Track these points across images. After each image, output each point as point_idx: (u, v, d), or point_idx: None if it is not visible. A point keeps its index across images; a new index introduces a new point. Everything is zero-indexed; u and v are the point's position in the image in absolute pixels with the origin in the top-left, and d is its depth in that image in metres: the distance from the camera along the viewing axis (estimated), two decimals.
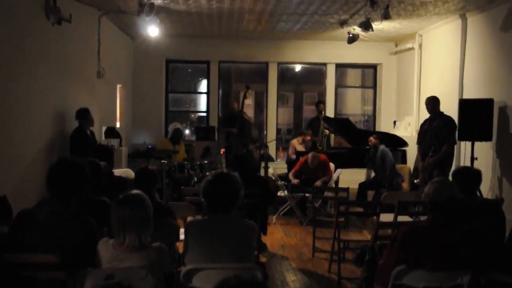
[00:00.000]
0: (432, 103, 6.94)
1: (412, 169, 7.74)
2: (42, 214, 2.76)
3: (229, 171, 3.04)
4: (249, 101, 9.15)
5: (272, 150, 10.87)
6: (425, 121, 7.09)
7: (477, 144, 6.83)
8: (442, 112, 6.92)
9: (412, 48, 9.85)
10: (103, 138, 8.17)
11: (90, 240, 2.75)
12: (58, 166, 2.85)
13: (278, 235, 6.77)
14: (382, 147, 7.65)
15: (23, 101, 5.73)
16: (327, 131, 9.38)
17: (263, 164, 8.66)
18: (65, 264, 2.62)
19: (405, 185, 7.86)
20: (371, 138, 7.79)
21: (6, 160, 5.37)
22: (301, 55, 11.15)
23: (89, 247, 2.71)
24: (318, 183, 7.51)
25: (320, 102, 10.12)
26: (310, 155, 7.75)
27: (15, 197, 4.76)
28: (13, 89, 5.50)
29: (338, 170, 8.01)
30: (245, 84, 8.99)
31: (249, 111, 12.45)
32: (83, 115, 6.65)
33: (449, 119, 6.85)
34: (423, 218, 4.24)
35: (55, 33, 6.44)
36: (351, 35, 8.74)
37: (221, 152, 9.48)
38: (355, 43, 8.90)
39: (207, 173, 7.20)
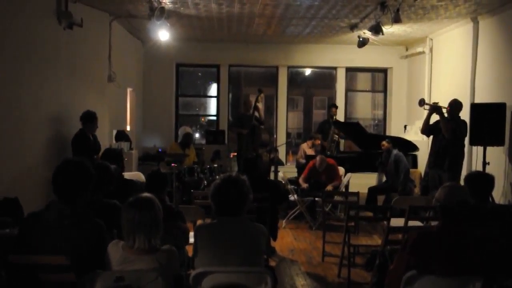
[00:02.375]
0: (460, 106, 6.84)
1: (423, 174, 7.68)
2: (51, 216, 2.77)
3: (237, 175, 3.04)
4: (260, 105, 9.09)
5: (282, 154, 10.86)
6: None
7: (489, 149, 6.77)
8: (459, 117, 6.84)
9: (423, 52, 9.79)
10: (114, 141, 8.21)
11: (99, 243, 2.76)
12: (62, 168, 2.85)
13: (287, 239, 6.75)
14: (395, 151, 7.59)
15: (33, 105, 5.78)
16: (337, 137, 9.25)
17: (273, 168, 8.65)
18: (75, 266, 2.63)
19: (416, 190, 7.81)
20: (384, 143, 7.74)
21: (17, 163, 5.42)
22: (311, 59, 11.15)
23: (98, 250, 2.72)
24: (329, 187, 7.49)
25: (333, 106, 9.93)
26: (318, 158, 7.76)
27: (25, 199, 4.79)
28: (24, 93, 5.56)
29: (348, 174, 7.97)
30: (257, 88, 8.96)
31: (260, 114, 12.45)
32: (90, 119, 6.37)
33: (463, 121, 6.79)
34: (434, 223, 4.21)
35: (66, 38, 6.49)
36: (361, 39, 8.72)
37: (232, 156, 9.47)
38: (365, 47, 8.87)
39: (217, 177, 7.21)
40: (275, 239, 5.90)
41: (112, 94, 8.38)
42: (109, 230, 2.98)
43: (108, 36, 8.14)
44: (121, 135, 8.47)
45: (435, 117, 6.87)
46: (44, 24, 6.03)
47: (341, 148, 10.22)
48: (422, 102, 7.20)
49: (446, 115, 6.76)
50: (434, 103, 7.14)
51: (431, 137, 7.10)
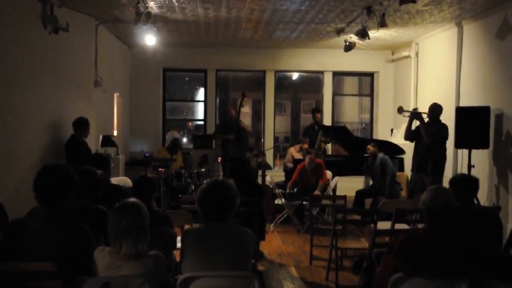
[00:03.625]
0: (440, 110, 6.92)
1: (409, 177, 7.74)
2: (35, 223, 2.73)
3: (224, 179, 3.04)
4: (246, 109, 9.09)
5: (269, 158, 10.87)
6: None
7: (474, 152, 6.85)
8: (440, 120, 6.93)
9: (409, 56, 9.89)
10: (100, 146, 8.16)
11: (85, 248, 2.73)
12: (43, 174, 2.81)
13: (275, 243, 6.75)
14: (381, 155, 7.64)
15: (19, 110, 5.72)
16: (324, 144, 9.16)
17: (260, 172, 8.65)
18: (61, 273, 2.60)
19: (403, 193, 7.86)
20: (369, 147, 7.79)
21: (2, 169, 5.35)
22: (298, 63, 11.19)
23: (84, 255, 2.70)
24: (317, 192, 7.51)
25: (316, 110, 9.80)
26: (307, 158, 7.85)
27: (11, 206, 4.73)
28: (9, 98, 5.49)
29: (336, 178, 8.01)
30: (241, 92, 8.96)
31: (247, 119, 12.47)
32: (83, 125, 6.57)
33: (444, 125, 6.87)
34: (420, 226, 4.24)
35: (52, 42, 6.44)
36: (347, 43, 8.77)
37: (219, 160, 9.47)
38: (352, 51, 8.92)
39: (204, 181, 7.19)
40: (263, 238, 5.88)
41: (98, 99, 8.33)
42: (96, 235, 2.96)
43: (94, 41, 8.09)
44: (108, 141, 8.42)
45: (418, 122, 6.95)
46: (29, 28, 5.97)
47: (329, 152, 10.22)
48: (400, 110, 7.29)
49: (427, 119, 6.85)
50: (413, 109, 7.21)
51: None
